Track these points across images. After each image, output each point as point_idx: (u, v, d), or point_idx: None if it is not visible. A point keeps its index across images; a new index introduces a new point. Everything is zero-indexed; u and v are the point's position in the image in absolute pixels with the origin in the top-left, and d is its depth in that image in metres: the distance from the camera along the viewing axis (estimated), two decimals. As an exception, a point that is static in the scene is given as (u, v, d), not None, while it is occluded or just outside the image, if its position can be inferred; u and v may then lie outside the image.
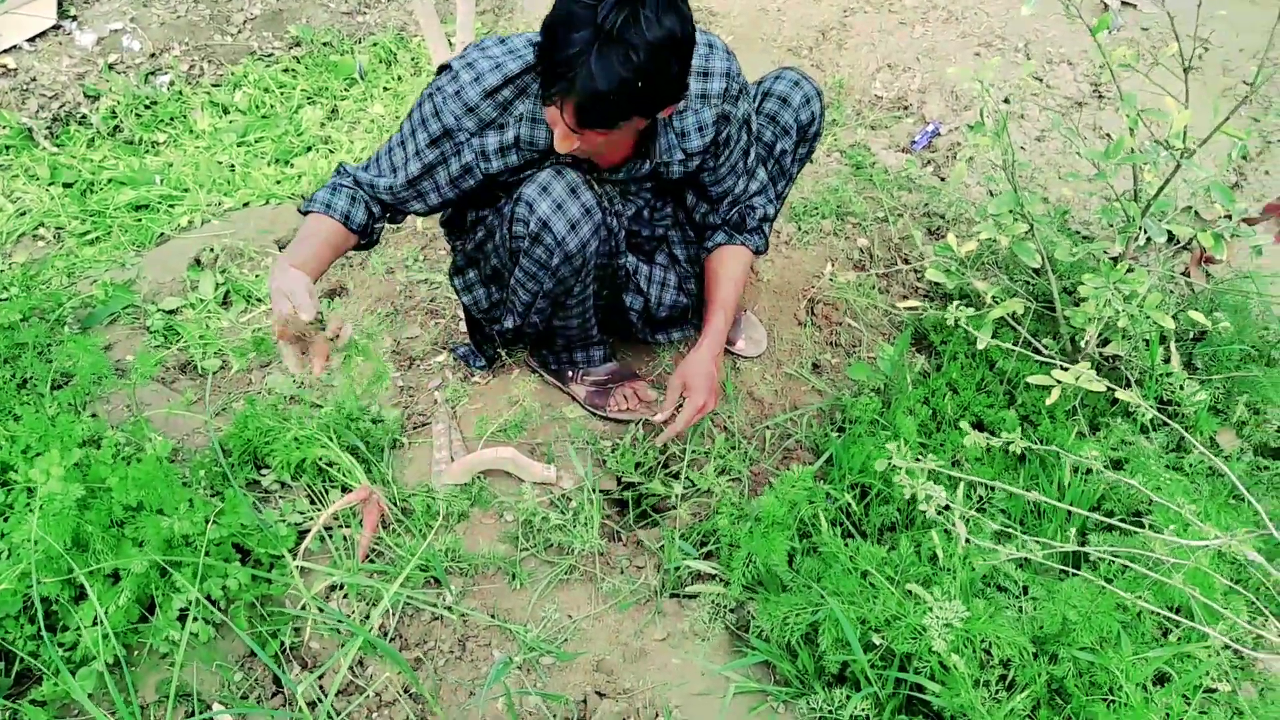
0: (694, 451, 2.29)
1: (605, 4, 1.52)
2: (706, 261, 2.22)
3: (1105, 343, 2.29)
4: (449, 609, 1.91)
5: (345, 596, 1.92)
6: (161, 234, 2.96)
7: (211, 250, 2.84)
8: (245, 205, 3.10)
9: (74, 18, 3.83)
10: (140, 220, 3.02)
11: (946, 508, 1.46)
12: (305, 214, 1.90)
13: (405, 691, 1.79)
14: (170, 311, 2.66)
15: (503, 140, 1.87)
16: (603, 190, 1.97)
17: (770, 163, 2.17)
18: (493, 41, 1.87)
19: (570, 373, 2.39)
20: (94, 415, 2.26)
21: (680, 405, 2.09)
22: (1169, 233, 2.21)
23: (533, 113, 1.86)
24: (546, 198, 1.86)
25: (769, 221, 2.23)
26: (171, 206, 3.08)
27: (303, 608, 1.87)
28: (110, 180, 3.18)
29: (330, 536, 1.97)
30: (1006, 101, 3.24)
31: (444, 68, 1.87)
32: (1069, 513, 1.93)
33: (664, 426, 2.13)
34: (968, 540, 1.52)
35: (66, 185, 3.15)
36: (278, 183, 3.20)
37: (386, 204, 1.95)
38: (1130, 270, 2.03)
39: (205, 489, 2.01)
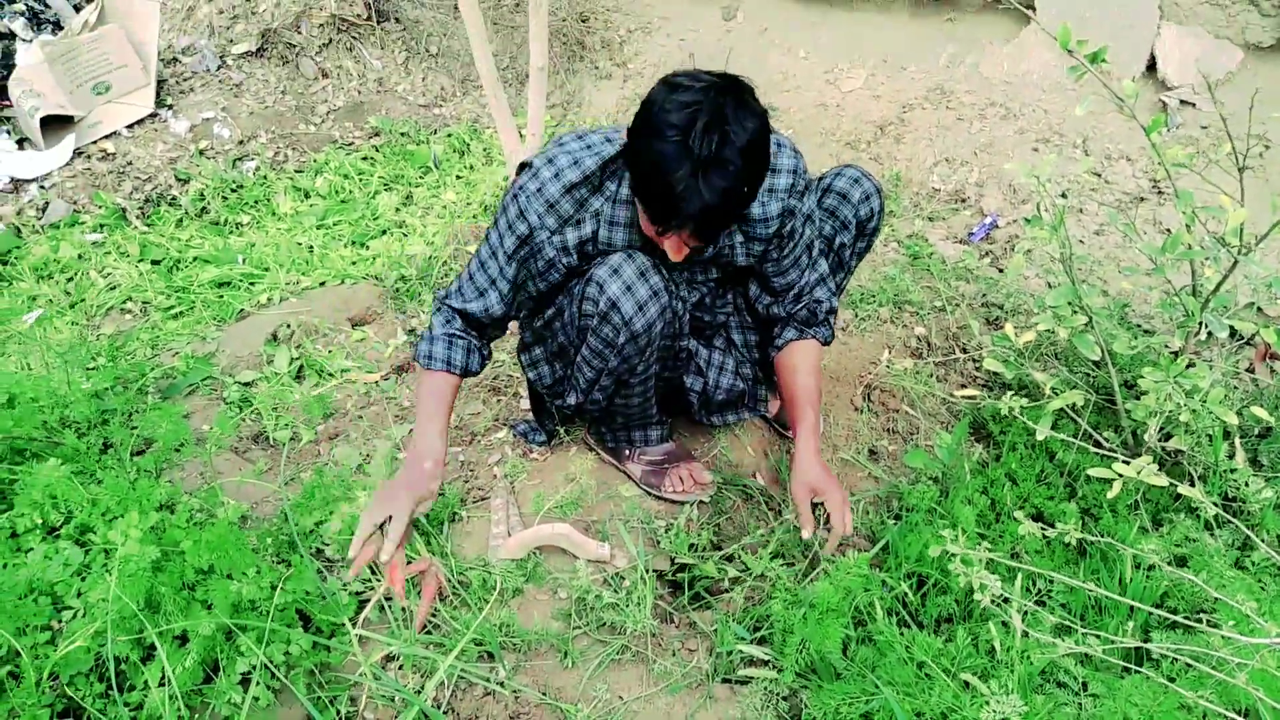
0: (749, 536, 2.30)
1: (694, 134, 1.59)
2: (779, 360, 2.26)
3: (1168, 437, 2.26)
4: (501, 684, 1.93)
5: (401, 667, 1.95)
6: (241, 310, 3.11)
7: (288, 326, 2.97)
8: (322, 284, 3.24)
9: (170, 106, 4.09)
10: (222, 297, 3.17)
11: (1005, 600, 1.45)
12: (423, 368, 2.03)
13: (456, 766, 1.80)
14: (246, 384, 2.78)
15: (580, 236, 1.96)
16: (670, 275, 2.03)
17: (830, 255, 2.23)
18: (571, 137, 1.97)
19: (627, 451, 2.43)
20: (170, 481, 2.35)
21: (820, 514, 2.11)
22: (1232, 329, 2.20)
23: (611, 215, 1.95)
24: (617, 279, 1.93)
25: (834, 313, 2.27)
26: (252, 284, 3.23)
27: (360, 676, 1.90)
28: (195, 259, 3.36)
29: (389, 607, 2.01)
30: (1064, 196, 3.27)
31: (525, 165, 1.97)
32: (1130, 609, 1.90)
33: (817, 540, 2.14)
34: (1025, 634, 1.50)
35: (155, 262, 3.33)
36: (353, 263, 3.34)
37: (488, 328, 2.09)
38: (1191, 365, 2.02)
39: (272, 556, 2.07)
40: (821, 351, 2.25)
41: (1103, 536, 2.11)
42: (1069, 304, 2.26)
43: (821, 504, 2.08)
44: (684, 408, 2.42)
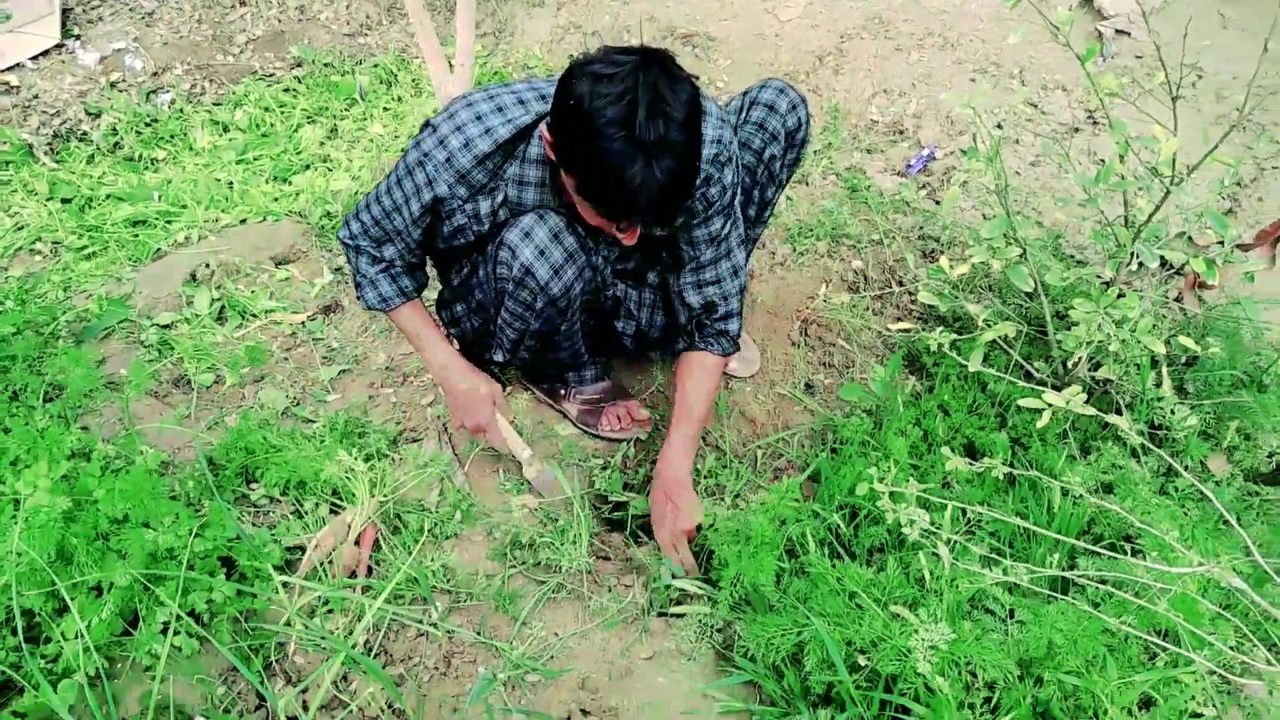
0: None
1: (637, 124, 1.51)
2: (677, 364, 2.21)
3: (1097, 367, 2.29)
4: (434, 625, 1.91)
5: (331, 612, 1.91)
6: (158, 250, 2.98)
7: (207, 266, 2.85)
8: (242, 222, 3.12)
9: (77, 37, 3.87)
10: (137, 236, 3.03)
11: (931, 532, 1.45)
12: (387, 311, 2.09)
13: (389, 707, 1.78)
14: (165, 326, 2.67)
15: (494, 203, 1.89)
16: (588, 233, 1.96)
17: (760, 169, 2.15)
18: (482, 97, 1.85)
19: (562, 390, 2.39)
20: (85, 428, 2.26)
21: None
22: (1162, 258, 2.22)
23: (520, 175, 1.86)
24: (529, 244, 1.87)
25: (733, 318, 2.15)
26: (169, 222, 3.09)
27: (286, 623, 1.86)
28: (109, 196, 3.20)
29: (320, 560, 1.97)
30: (1000, 127, 3.25)
31: (427, 125, 1.86)
32: (1057, 538, 1.93)
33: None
34: (953, 564, 1.51)
35: (65, 201, 3.17)
36: (275, 200, 3.21)
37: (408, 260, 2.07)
38: (1121, 295, 2.03)
39: (194, 504, 2.01)
40: (718, 363, 2.17)
41: (1030, 468, 2.13)
42: (1004, 236, 2.25)
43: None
44: (620, 347, 2.38)
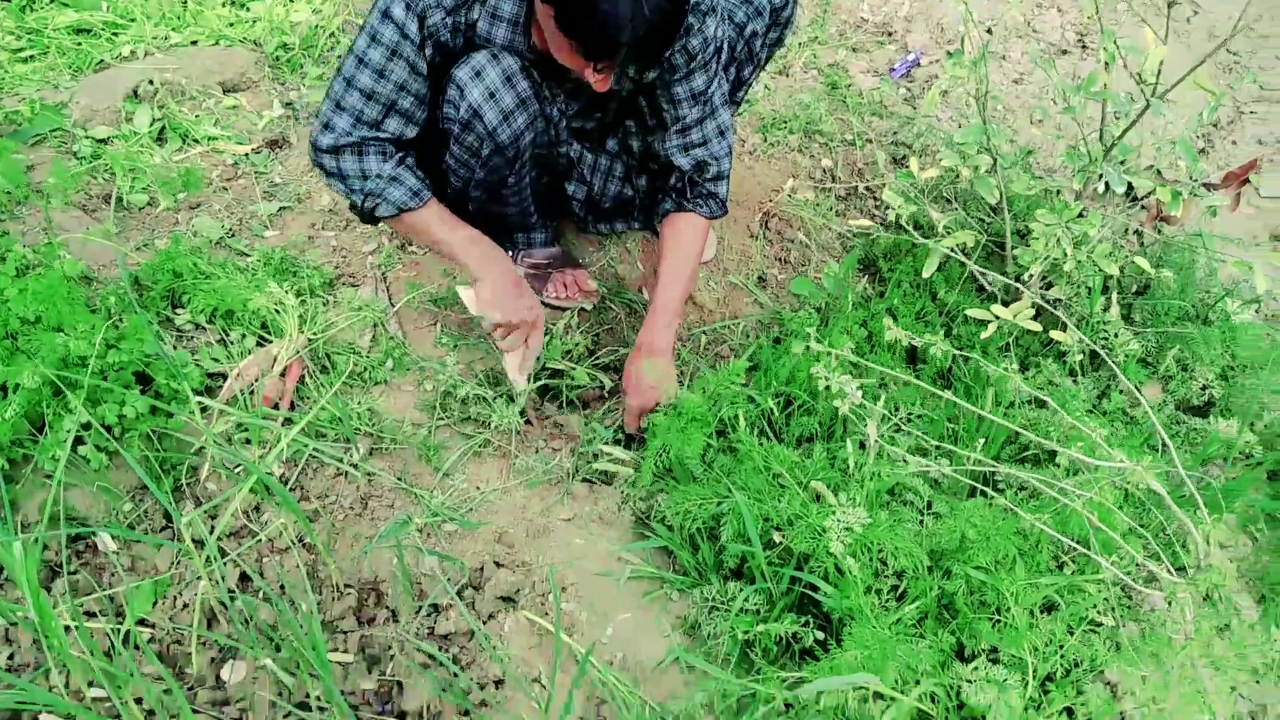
0: (623, 348, 2.26)
1: None
2: (661, 230, 2.13)
3: (1049, 286, 2.28)
4: (354, 466, 1.88)
5: (249, 443, 1.87)
6: (101, 61, 2.81)
7: (151, 83, 2.70)
8: (193, 43, 2.95)
9: None
10: (80, 45, 2.86)
11: (861, 410, 1.44)
12: (417, 208, 1.87)
13: (299, 540, 1.76)
14: (101, 140, 2.54)
15: (470, 18, 1.74)
16: (545, 82, 1.85)
17: (740, 45, 2.06)
18: None
19: (510, 252, 2.33)
20: (5, 233, 2.16)
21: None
22: (1129, 187, 2.19)
23: (494, 7, 1.73)
24: (479, 83, 1.76)
25: (723, 179, 2.08)
26: (114, 34, 2.92)
27: (200, 449, 1.82)
28: (53, 0, 3.00)
29: (241, 389, 1.91)
30: (990, 32, 3.16)
31: None
32: (985, 441, 1.94)
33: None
34: (879, 448, 1.51)
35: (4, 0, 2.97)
36: (230, 25, 3.04)
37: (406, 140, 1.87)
38: (1083, 213, 2.01)
39: (114, 320, 1.93)
40: (704, 226, 2.10)
41: (970, 377, 2.14)
42: (975, 142, 2.20)
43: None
44: (569, 213, 2.31)
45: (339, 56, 2.98)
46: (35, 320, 1.65)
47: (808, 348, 1.55)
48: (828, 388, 1.49)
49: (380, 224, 2.05)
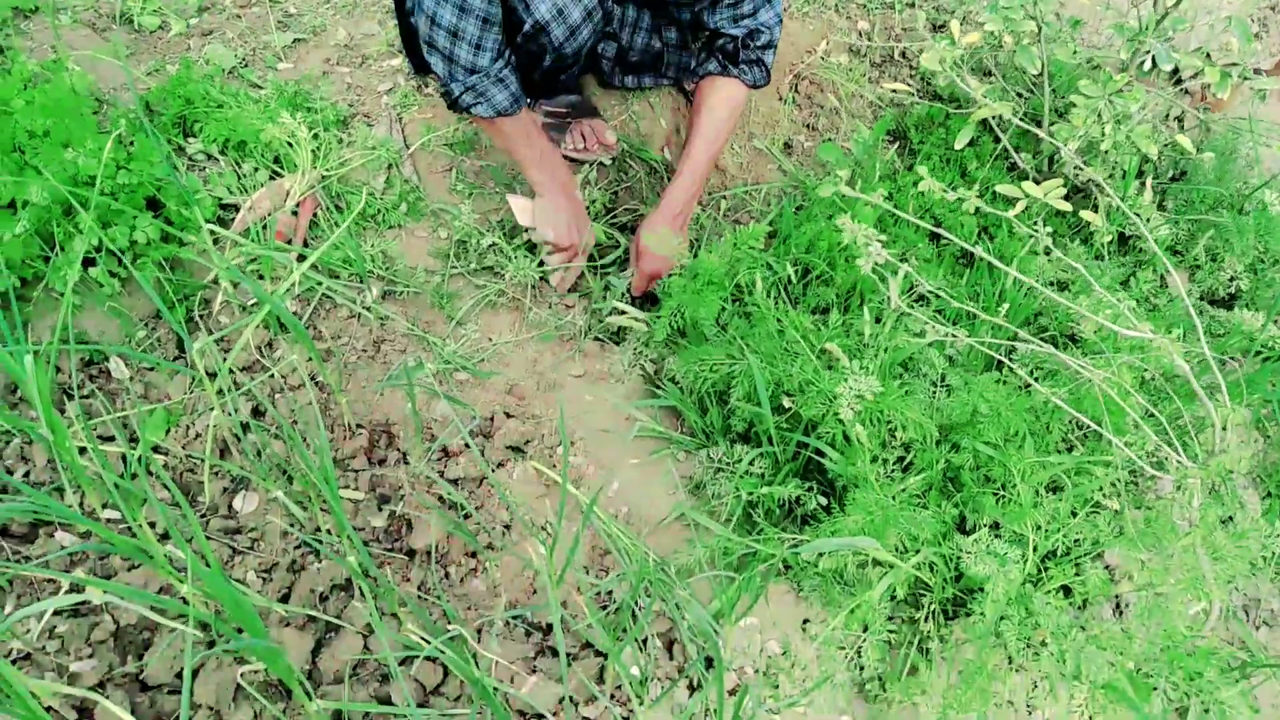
0: (645, 207, 2.21)
1: None
2: (697, 89, 2.08)
3: (1081, 167, 2.22)
4: (367, 309, 1.86)
5: (261, 278, 1.85)
6: None
7: (161, -104, 2.56)
8: None
9: None
10: None
11: (883, 265, 1.41)
12: (515, 114, 1.85)
13: (312, 379, 1.76)
14: (110, -44, 2.42)
15: None
16: None
17: None
18: None
19: (528, 98, 2.25)
20: (10, 48, 2.08)
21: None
22: (1175, 70, 2.10)
23: None
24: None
25: (772, 48, 2.03)
26: None
27: (214, 282, 1.80)
28: None
29: (254, 222, 1.88)
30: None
31: None
32: (1005, 317, 1.92)
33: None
34: (898, 306, 1.49)
35: None
36: None
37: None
38: (1128, 87, 1.93)
39: (125, 143, 1.89)
40: (744, 94, 2.05)
41: (997, 256, 2.10)
42: (1020, 8, 2.10)
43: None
44: (597, 70, 2.23)
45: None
46: (44, 134, 1.60)
47: (838, 198, 1.50)
48: (847, 248, 1.46)
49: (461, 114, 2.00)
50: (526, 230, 2.01)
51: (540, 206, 1.95)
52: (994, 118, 2.23)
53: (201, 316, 1.79)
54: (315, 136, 1.99)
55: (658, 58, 2.24)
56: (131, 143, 1.86)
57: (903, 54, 2.74)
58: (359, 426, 1.73)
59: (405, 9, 2.04)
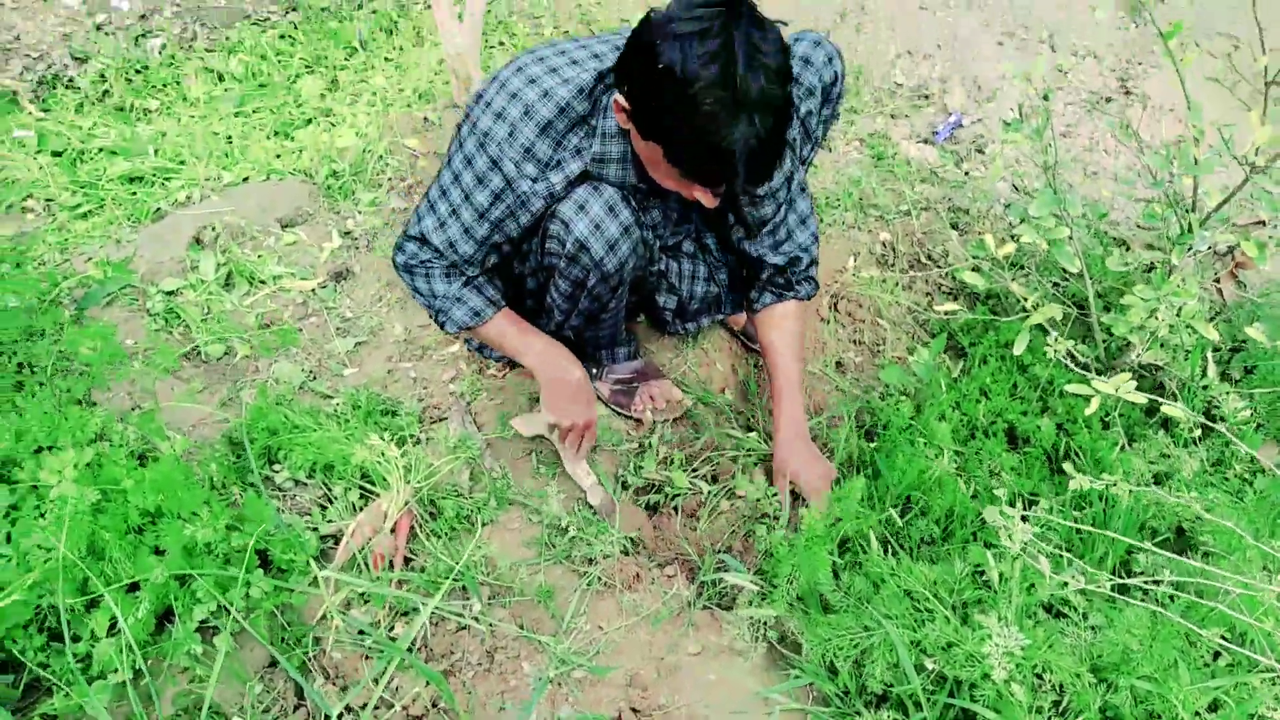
0: (720, 453, 2.23)
1: (735, 82, 1.41)
2: (759, 321, 2.18)
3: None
4: (476, 619, 1.84)
5: (367, 604, 1.84)
6: (158, 209, 2.83)
7: (212, 229, 2.71)
8: (245, 180, 2.97)
9: (58, -27, 3.64)
10: (135, 194, 2.88)
11: (1029, 545, 1.40)
12: (478, 326, 1.96)
13: (434, 705, 1.72)
14: (170, 293, 2.54)
15: (567, 176, 1.76)
16: (638, 203, 1.87)
17: (797, 127, 2.06)
18: (530, 60, 1.73)
19: (594, 370, 2.31)
20: (94, 403, 2.15)
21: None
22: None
23: (601, 152, 1.74)
24: (584, 217, 1.76)
25: (815, 265, 2.16)
26: (167, 180, 2.94)
27: (322, 618, 1.79)
28: (101, 150, 3.03)
29: (355, 551, 1.89)
30: (1046, 98, 3.17)
31: (478, 98, 1.74)
32: (1117, 529, 1.89)
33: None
34: (1047, 574, 1.46)
35: (55, 154, 3.00)
36: (278, 156, 3.06)
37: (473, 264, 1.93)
38: (1182, 281, 1.98)
39: (218, 488, 1.92)
40: (805, 311, 2.17)
41: (1079, 454, 2.09)
42: (1049, 215, 2.18)
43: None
44: (659, 321, 2.31)
45: (390, 179, 2.99)
46: (156, 511, 1.63)
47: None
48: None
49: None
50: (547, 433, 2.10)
51: (543, 398, 2.01)
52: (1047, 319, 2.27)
53: (314, 657, 1.76)
54: (404, 452, 2.02)
55: (716, 300, 2.32)
56: (224, 488, 1.90)
57: (929, 256, 2.83)
58: (489, 751, 1.67)
59: None
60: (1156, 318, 2.06)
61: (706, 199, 1.63)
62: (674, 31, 1.42)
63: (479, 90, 1.74)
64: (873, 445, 2.18)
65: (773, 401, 2.14)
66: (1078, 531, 1.95)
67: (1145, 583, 1.63)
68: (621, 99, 1.56)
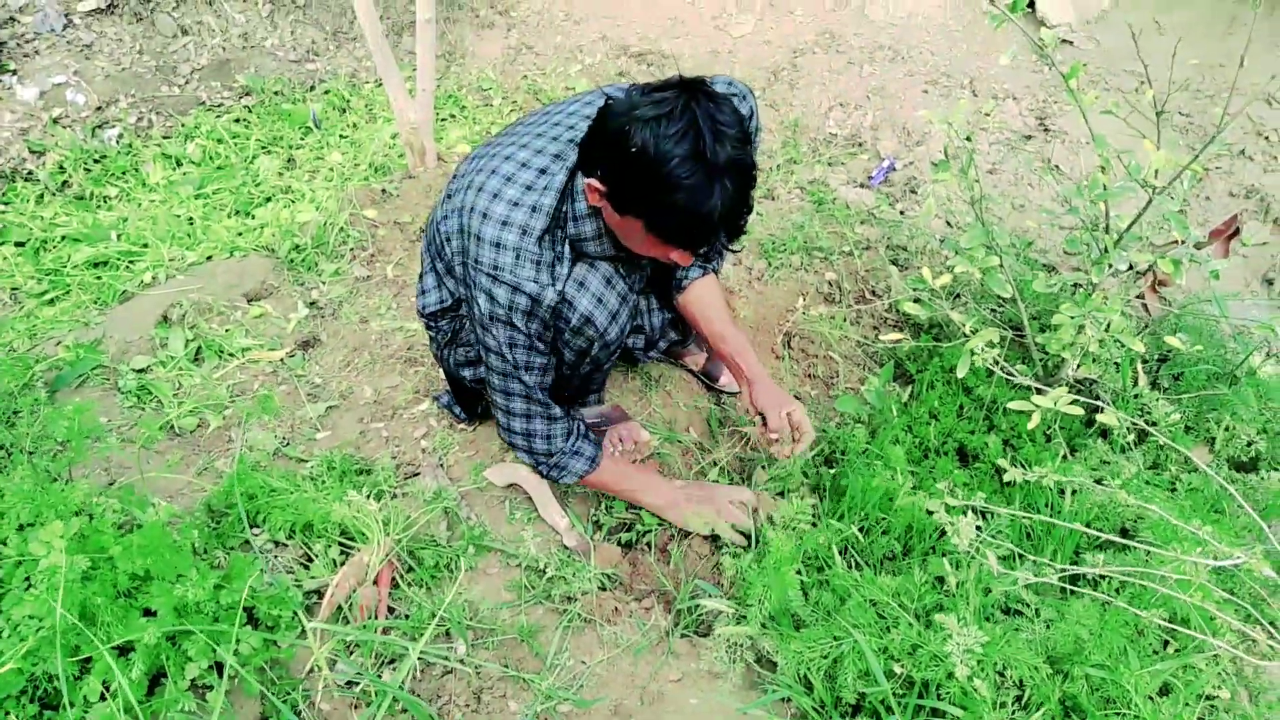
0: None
1: (707, 153, 1.52)
2: (685, 298, 2.25)
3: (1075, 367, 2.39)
4: (462, 661, 1.89)
5: (352, 654, 1.89)
6: (124, 291, 2.89)
7: (179, 306, 2.78)
8: (208, 258, 3.05)
9: (13, 71, 3.73)
10: (100, 278, 2.95)
11: (978, 543, 1.50)
12: (594, 470, 2.12)
13: (425, 749, 1.76)
14: (140, 370, 2.60)
15: (568, 263, 1.87)
16: (623, 269, 1.98)
17: None
18: (499, 182, 1.82)
19: (561, 418, 2.40)
20: (70, 480, 2.19)
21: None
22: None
23: (577, 234, 1.84)
24: (585, 293, 1.88)
25: (720, 255, 2.31)
26: (131, 263, 3.01)
27: (310, 670, 1.83)
28: (64, 238, 3.10)
29: (340, 599, 1.94)
30: (969, 139, 3.38)
31: (466, 233, 1.83)
32: (1063, 534, 2.00)
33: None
34: (996, 571, 1.56)
35: (19, 244, 3.06)
36: (239, 234, 3.15)
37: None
38: (1105, 298, 2.13)
39: (200, 553, 1.96)
40: (714, 277, 2.27)
41: (1025, 466, 2.21)
42: (981, 245, 2.33)
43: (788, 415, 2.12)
44: (628, 357, 2.45)
45: (351, 249, 3.08)
46: (144, 575, 1.68)
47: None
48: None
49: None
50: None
51: (688, 520, 2.15)
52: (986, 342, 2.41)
53: (305, 707, 1.80)
54: (382, 507, 2.08)
55: (673, 324, 2.43)
56: (205, 553, 1.95)
57: (873, 291, 2.98)
58: (482, 789, 1.71)
59: (452, 375, 2.24)
60: (1086, 333, 2.20)
61: (683, 259, 1.74)
62: (641, 117, 1.54)
63: (460, 204, 1.85)
64: (832, 470, 2.28)
65: (729, 360, 2.21)
66: (1028, 535, 2.06)
67: (1092, 574, 1.73)
68: (595, 182, 1.67)
